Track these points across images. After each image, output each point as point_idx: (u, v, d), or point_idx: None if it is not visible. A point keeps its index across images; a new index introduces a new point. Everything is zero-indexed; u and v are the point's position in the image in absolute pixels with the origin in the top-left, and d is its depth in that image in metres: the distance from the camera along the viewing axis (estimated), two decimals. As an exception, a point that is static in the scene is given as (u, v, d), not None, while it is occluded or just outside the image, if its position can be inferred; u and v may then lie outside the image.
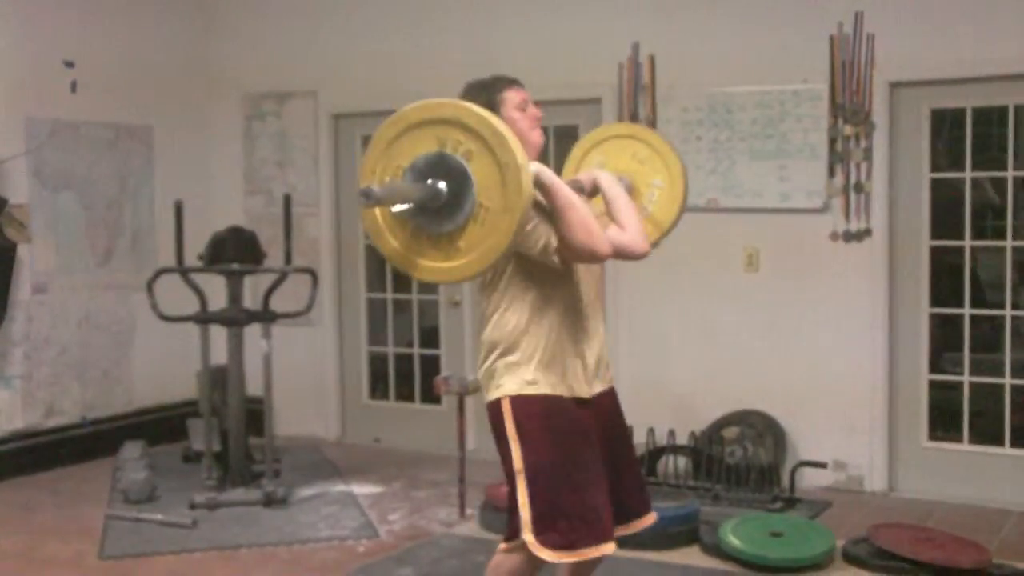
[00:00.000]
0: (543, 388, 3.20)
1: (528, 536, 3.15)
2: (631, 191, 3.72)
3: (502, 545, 3.31)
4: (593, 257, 3.15)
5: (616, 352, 6.27)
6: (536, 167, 3.10)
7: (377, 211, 3.00)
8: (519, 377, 3.19)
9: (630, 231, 3.26)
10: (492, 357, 3.24)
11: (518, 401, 3.19)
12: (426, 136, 2.91)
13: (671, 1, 6.06)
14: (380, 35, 6.78)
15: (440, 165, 2.89)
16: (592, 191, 3.43)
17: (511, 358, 3.20)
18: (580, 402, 3.27)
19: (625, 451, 3.47)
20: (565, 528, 3.16)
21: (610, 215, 3.32)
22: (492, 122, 2.86)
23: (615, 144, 3.83)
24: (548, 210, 3.11)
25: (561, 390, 3.23)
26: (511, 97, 3.26)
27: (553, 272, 3.20)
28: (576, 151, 3.87)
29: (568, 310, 3.25)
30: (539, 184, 3.07)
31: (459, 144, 2.87)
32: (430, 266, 2.97)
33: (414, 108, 2.95)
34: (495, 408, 3.24)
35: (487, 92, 3.24)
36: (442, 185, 2.88)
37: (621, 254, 3.26)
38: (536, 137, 3.29)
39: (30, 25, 6.40)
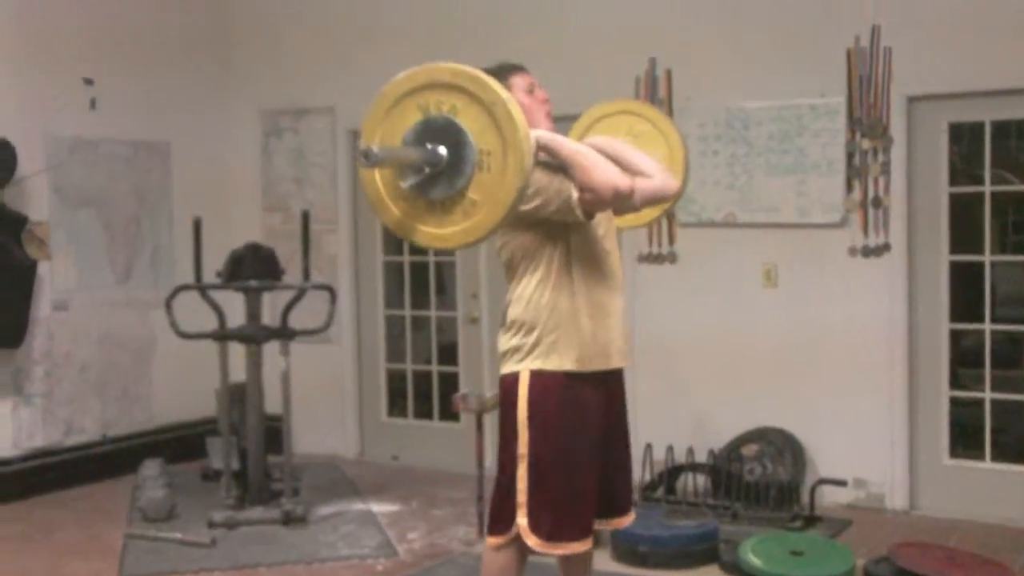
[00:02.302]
0: (564, 364, 3.23)
1: (522, 520, 3.21)
2: None
3: (491, 540, 3.33)
4: (617, 195, 3.14)
5: (634, 368, 6.23)
6: (532, 132, 3.14)
7: (379, 180, 2.98)
8: (541, 353, 3.23)
9: (655, 174, 3.29)
10: (516, 334, 3.27)
11: (536, 377, 3.23)
12: (409, 108, 2.93)
13: (688, 16, 6.06)
14: (397, 51, 6.78)
15: (428, 130, 2.90)
16: None
17: (535, 335, 3.24)
18: (597, 377, 3.30)
19: (622, 440, 3.49)
20: (554, 520, 3.23)
21: (626, 171, 3.27)
22: (465, 69, 2.88)
23: (610, 122, 3.83)
24: (559, 166, 3.15)
25: (582, 365, 3.26)
26: (518, 82, 3.34)
27: (579, 246, 3.23)
28: (571, 135, 3.85)
29: (594, 284, 3.28)
30: (541, 146, 3.13)
31: (441, 104, 2.88)
32: (437, 232, 2.94)
33: (389, 86, 2.97)
34: (512, 381, 3.28)
35: (495, 79, 3.27)
36: (442, 149, 2.88)
37: (657, 199, 3.28)
38: (547, 124, 3.34)
39: (50, 43, 6.45)
